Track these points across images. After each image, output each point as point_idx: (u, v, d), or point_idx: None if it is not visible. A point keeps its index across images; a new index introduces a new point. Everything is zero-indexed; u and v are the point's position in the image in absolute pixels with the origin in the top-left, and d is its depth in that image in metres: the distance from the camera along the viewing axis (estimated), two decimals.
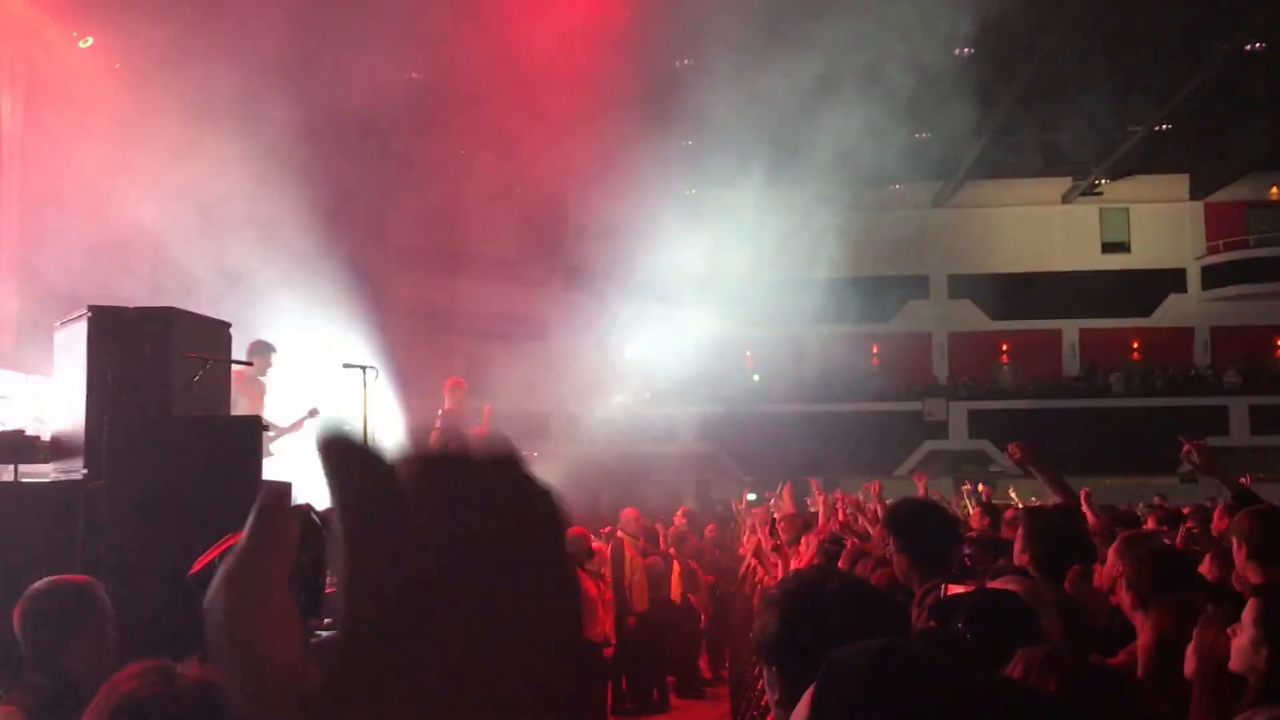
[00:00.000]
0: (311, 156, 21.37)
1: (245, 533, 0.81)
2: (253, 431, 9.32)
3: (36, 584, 5.21)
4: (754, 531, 15.25)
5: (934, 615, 4.62)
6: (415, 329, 30.84)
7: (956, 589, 5.36)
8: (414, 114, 23.77)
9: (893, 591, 6.37)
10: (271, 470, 16.08)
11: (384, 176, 27.07)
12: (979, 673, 1.93)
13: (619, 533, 18.18)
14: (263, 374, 15.40)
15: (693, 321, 36.14)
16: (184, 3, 19.74)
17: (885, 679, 1.79)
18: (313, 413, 15.53)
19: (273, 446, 15.67)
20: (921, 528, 6.14)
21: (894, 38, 26.74)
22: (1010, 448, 8.72)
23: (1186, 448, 8.77)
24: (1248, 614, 4.37)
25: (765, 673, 3.27)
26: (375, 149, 23.68)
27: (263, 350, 15.45)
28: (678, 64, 29.83)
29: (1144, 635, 5.21)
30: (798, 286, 37.80)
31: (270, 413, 15.28)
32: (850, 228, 38.20)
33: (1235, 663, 4.31)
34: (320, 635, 8.63)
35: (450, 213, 28.40)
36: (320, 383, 16.25)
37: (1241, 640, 4.32)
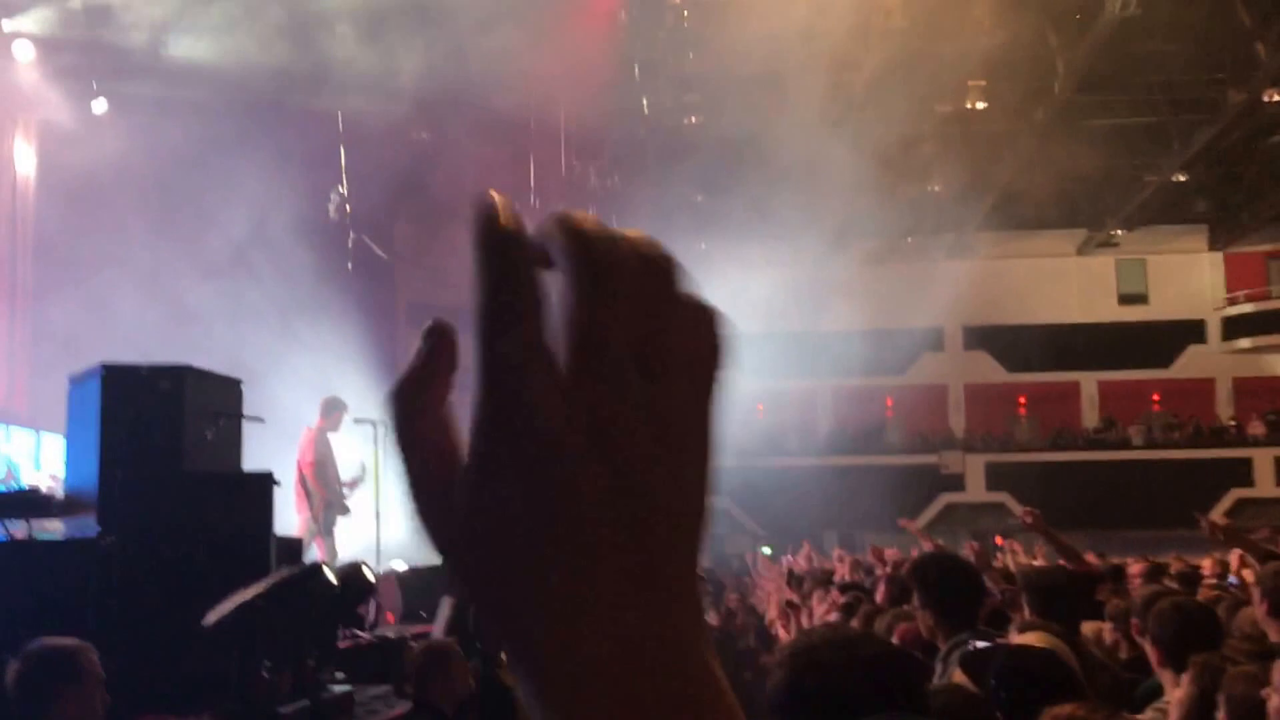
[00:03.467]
0: (324, 213, 21.57)
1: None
2: (264, 486, 9.39)
3: (28, 646, 5.32)
4: (776, 588, 15.29)
5: (966, 669, 4.64)
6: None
7: (984, 645, 5.38)
8: (423, 169, 23.89)
9: (913, 648, 6.40)
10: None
11: (393, 232, 27.23)
12: None
13: None
14: (336, 429, 15.67)
15: None
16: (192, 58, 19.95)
17: None
18: (360, 477, 15.96)
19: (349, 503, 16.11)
20: (947, 583, 6.17)
21: (906, 91, 26.85)
22: (1023, 513, 8.81)
23: (1207, 530, 8.84)
24: (1277, 675, 4.35)
25: None
26: (385, 206, 23.82)
27: (336, 407, 15.75)
28: (687, 121, 29.94)
29: (1180, 691, 5.19)
30: (811, 339, 37.87)
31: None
32: (864, 280, 38.28)
33: None
34: (332, 691, 8.68)
35: (460, 266, 28.53)
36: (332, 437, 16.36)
37: (1276, 704, 4.30)
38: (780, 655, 3.46)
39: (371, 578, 9.83)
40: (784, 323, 36.77)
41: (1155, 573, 10.90)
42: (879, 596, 10.19)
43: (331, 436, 15.88)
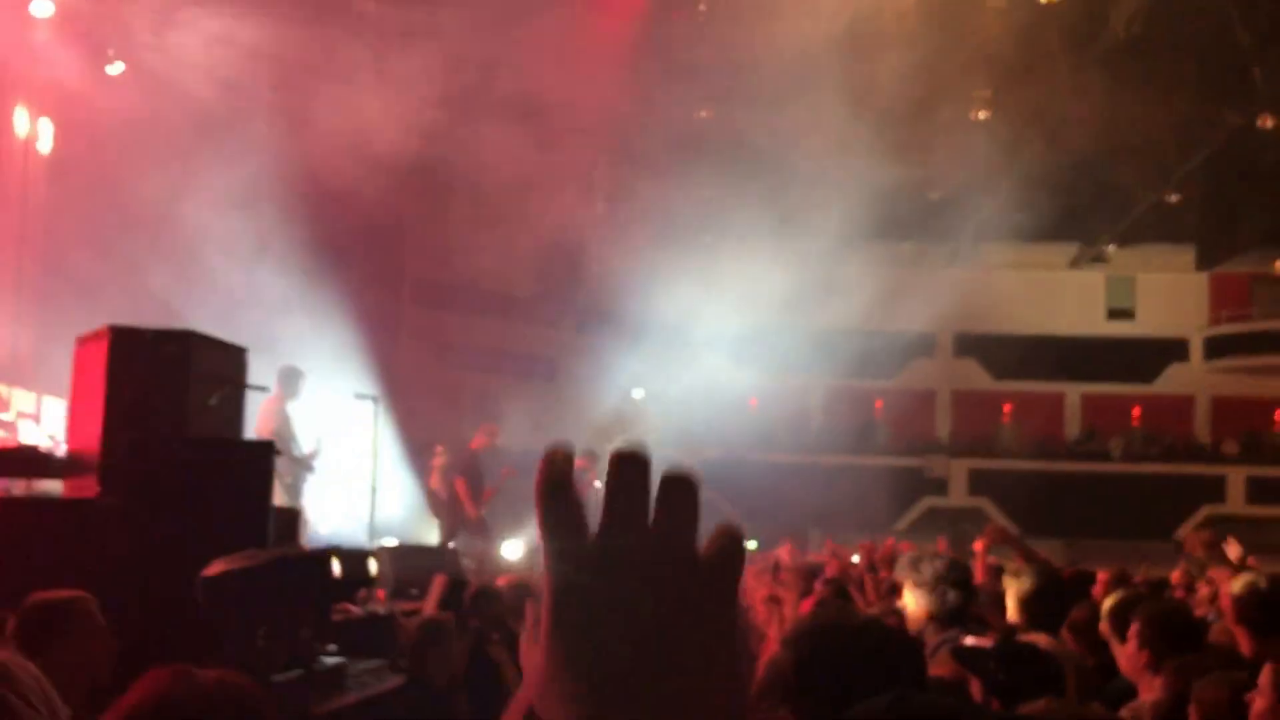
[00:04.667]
0: (331, 187, 21.42)
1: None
2: (264, 454, 9.34)
3: (28, 599, 5.22)
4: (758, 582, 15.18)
5: (961, 661, 4.59)
6: (425, 362, 30.83)
7: (973, 640, 5.37)
8: (434, 151, 23.75)
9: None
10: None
11: (403, 210, 27.09)
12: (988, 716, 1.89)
13: None
14: (294, 398, 15.58)
15: (701, 367, 36.09)
16: (211, 25, 19.71)
17: None
18: (317, 450, 15.87)
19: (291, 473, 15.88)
20: (944, 582, 6.13)
21: (911, 101, 26.79)
22: (987, 530, 8.91)
23: (1190, 546, 8.93)
24: (1264, 679, 4.32)
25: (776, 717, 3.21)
26: (394, 184, 23.70)
27: (293, 376, 15.66)
28: (698, 115, 29.85)
29: (1154, 694, 5.17)
30: (806, 337, 37.81)
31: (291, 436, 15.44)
32: (861, 281, 38.21)
33: None
34: (325, 663, 8.59)
35: (467, 249, 28.39)
36: (330, 410, 16.28)
37: (1260, 706, 4.28)
38: (787, 636, 3.40)
39: (375, 571, 9.87)
40: (783, 318, 36.65)
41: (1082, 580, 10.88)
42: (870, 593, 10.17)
43: (291, 407, 15.76)
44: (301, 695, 7.84)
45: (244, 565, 7.27)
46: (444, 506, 19.89)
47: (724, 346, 39.07)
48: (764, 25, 24.30)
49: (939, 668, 4.93)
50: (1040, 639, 5.68)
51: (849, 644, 3.15)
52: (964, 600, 6.23)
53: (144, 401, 9.54)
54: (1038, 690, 3.83)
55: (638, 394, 36.64)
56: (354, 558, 9.39)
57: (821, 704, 3.13)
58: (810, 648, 3.18)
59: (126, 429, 9.18)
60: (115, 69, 20.42)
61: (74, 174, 19.61)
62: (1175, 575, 15.75)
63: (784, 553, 18.11)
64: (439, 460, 20.55)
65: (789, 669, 3.18)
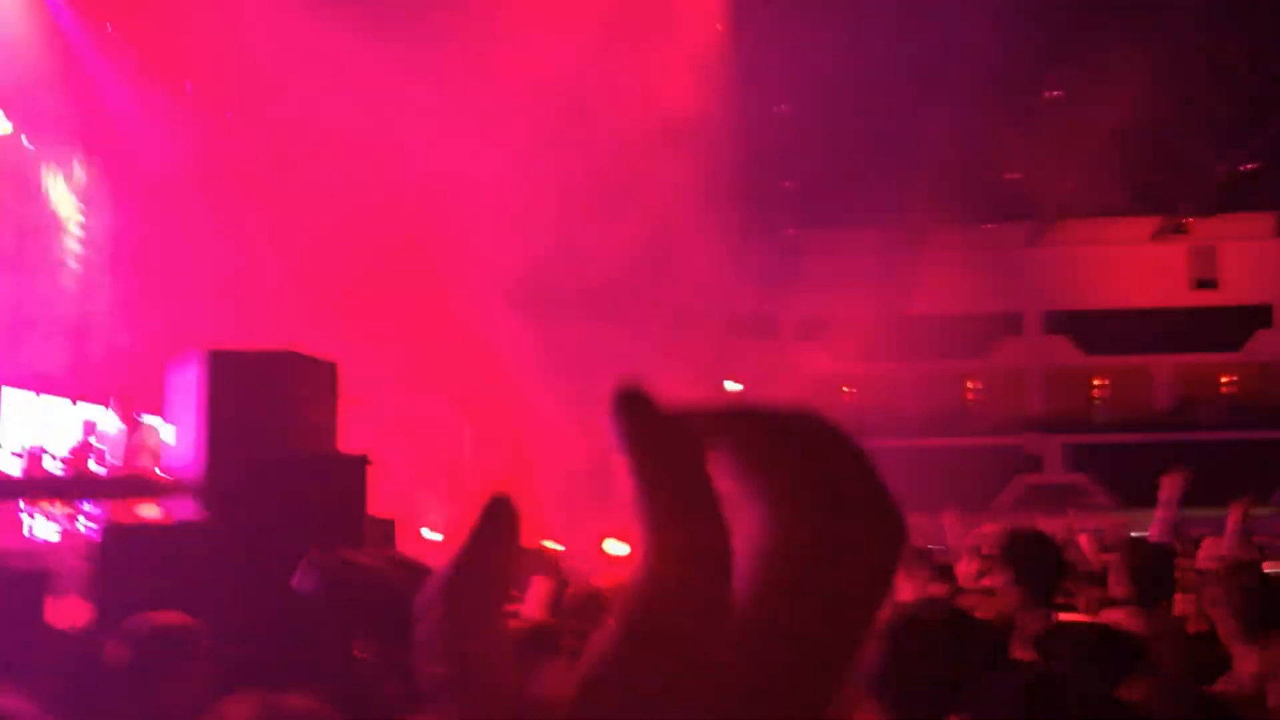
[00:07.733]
0: (420, 202, 21.33)
1: (470, 537, 0.65)
2: (358, 467, 9.26)
3: (133, 625, 5.08)
4: None
5: (1038, 647, 4.40)
6: (525, 370, 30.81)
7: (1067, 618, 5.22)
8: (520, 160, 23.70)
9: (995, 624, 6.15)
10: None
11: (491, 218, 27.08)
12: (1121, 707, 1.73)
13: None
14: None
15: (794, 358, 35.95)
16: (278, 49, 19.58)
17: (1039, 708, 1.67)
18: None
19: None
20: (1034, 559, 5.92)
21: (986, 83, 26.54)
22: None
23: None
24: None
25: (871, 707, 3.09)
26: (483, 195, 23.68)
27: None
28: (776, 109, 29.68)
29: (1251, 665, 4.98)
30: (895, 324, 37.63)
31: None
32: (947, 266, 37.99)
33: None
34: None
35: (559, 256, 28.33)
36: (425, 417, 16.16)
37: None
38: (879, 629, 3.23)
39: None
40: (869, 308, 36.52)
41: None
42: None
43: None
44: (401, 707, 7.70)
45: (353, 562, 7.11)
46: None
47: (815, 338, 38.97)
48: (832, 16, 24.14)
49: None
50: (1121, 615, 5.48)
51: (927, 634, 3.00)
52: (1055, 580, 6.03)
53: (247, 423, 9.49)
54: (1114, 674, 3.63)
55: (731, 388, 36.53)
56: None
57: (907, 694, 3.00)
58: (892, 639, 3.04)
59: (225, 450, 9.12)
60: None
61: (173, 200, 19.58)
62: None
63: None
64: None
65: (875, 660, 3.05)
